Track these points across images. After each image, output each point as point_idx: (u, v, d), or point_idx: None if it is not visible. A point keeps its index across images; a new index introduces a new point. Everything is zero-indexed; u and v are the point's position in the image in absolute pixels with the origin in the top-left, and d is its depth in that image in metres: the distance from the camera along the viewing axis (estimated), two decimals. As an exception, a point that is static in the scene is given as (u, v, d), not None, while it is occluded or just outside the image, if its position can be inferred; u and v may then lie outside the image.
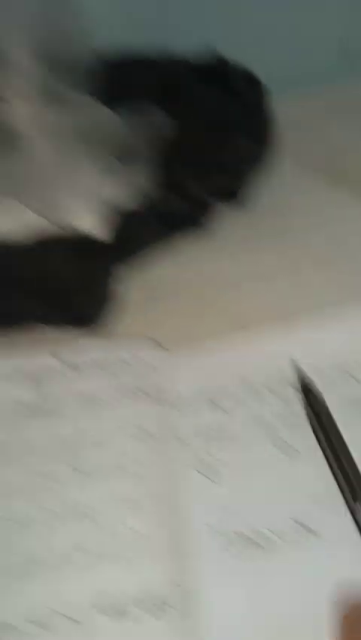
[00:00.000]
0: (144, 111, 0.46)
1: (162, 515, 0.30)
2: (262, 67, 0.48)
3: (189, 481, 0.32)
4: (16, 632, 0.26)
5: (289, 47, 0.57)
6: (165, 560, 0.29)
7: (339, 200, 0.48)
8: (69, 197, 0.41)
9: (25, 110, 0.42)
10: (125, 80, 0.47)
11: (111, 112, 0.45)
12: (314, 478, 0.31)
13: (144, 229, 0.42)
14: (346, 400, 0.34)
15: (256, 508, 0.30)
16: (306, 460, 0.32)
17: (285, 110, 0.47)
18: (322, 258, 0.44)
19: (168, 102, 0.46)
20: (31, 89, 0.42)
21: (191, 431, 0.34)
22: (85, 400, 0.34)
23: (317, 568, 0.28)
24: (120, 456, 0.32)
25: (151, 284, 0.42)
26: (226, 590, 0.28)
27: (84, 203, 0.41)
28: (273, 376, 0.36)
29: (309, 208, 0.47)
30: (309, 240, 0.45)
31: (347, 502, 0.30)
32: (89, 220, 0.41)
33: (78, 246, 0.40)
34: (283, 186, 0.48)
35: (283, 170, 0.47)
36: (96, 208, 0.41)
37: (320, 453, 0.32)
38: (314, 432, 0.33)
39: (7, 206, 0.40)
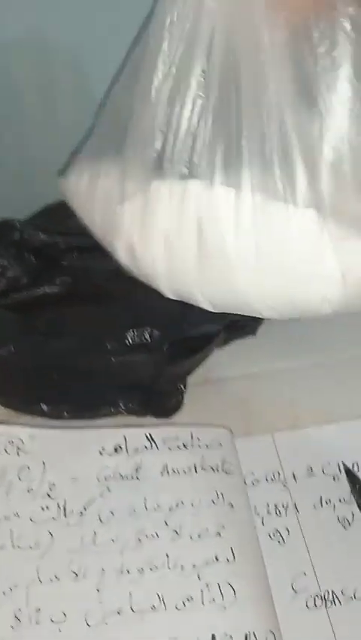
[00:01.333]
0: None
1: (253, 574, 0.36)
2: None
3: (264, 545, 0.38)
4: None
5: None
6: (260, 612, 0.34)
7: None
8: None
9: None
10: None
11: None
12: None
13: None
14: None
15: (327, 572, 0.37)
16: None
17: None
18: None
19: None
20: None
21: (258, 502, 0.40)
22: (173, 473, 0.40)
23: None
24: (208, 520, 0.38)
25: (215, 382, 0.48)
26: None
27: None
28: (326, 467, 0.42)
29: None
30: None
31: None
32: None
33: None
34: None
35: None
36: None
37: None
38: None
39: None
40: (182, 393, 0.45)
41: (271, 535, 0.38)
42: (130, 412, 0.44)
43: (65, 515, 0.38)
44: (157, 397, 0.44)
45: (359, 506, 0.39)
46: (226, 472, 0.40)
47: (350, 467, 0.41)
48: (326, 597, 0.36)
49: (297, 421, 0.44)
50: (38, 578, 0.35)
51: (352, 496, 0.40)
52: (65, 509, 0.38)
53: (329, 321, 0.42)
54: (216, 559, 0.36)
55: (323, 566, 0.37)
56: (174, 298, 0.42)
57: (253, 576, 0.36)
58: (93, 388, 0.44)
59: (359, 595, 0.36)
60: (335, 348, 0.50)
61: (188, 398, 0.46)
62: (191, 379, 0.47)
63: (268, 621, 0.34)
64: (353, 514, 0.39)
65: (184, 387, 0.46)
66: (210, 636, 0.33)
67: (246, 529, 0.38)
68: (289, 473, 0.41)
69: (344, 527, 0.39)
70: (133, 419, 0.44)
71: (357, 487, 0.40)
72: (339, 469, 0.42)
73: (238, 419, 0.45)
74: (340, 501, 0.40)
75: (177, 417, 0.45)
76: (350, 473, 0.41)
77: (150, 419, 0.44)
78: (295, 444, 0.43)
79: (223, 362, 0.49)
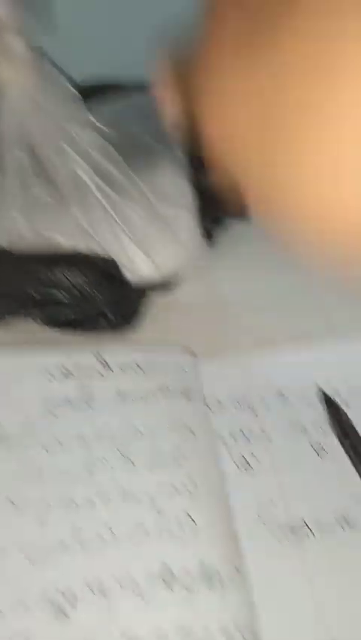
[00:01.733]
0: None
1: (212, 503, 0.32)
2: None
3: (229, 473, 0.34)
4: (77, 597, 0.29)
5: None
6: (219, 541, 0.31)
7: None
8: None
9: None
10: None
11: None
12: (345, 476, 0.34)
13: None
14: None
15: (295, 501, 0.33)
16: (334, 459, 0.35)
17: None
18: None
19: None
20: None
21: (225, 430, 0.36)
22: (123, 396, 0.36)
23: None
24: (163, 447, 0.34)
25: (174, 298, 0.44)
26: (271, 570, 0.31)
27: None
28: (296, 386, 0.38)
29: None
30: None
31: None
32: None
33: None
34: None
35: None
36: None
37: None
38: (339, 439, 0.36)
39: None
40: (141, 299, 0.41)
41: (238, 464, 0.35)
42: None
43: (3, 440, 0.34)
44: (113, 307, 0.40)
45: (338, 438, 0.36)
46: (187, 398, 0.36)
47: (326, 393, 0.37)
48: (297, 528, 0.32)
49: (272, 344, 0.40)
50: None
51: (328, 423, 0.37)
52: (3, 435, 0.34)
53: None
54: (175, 489, 0.32)
55: (294, 495, 0.34)
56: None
57: (213, 506, 0.32)
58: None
59: (331, 525, 0.32)
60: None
61: (150, 319, 0.42)
62: (155, 298, 0.43)
63: (229, 553, 0.31)
64: (329, 442, 0.36)
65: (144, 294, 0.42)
66: (166, 570, 0.30)
67: (207, 457, 0.34)
68: (259, 398, 0.37)
69: (319, 455, 0.35)
70: (84, 339, 0.40)
71: (337, 418, 0.36)
72: (316, 395, 0.38)
73: (205, 341, 0.41)
74: (315, 428, 0.36)
75: (136, 338, 0.41)
76: (330, 403, 0.37)
77: (102, 339, 0.40)
78: (268, 367, 0.39)
79: (192, 281, 0.45)
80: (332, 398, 0.37)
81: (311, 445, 0.36)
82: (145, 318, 0.42)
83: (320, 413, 0.37)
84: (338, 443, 0.35)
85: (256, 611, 0.29)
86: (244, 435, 0.36)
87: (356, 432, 0.35)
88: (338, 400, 0.37)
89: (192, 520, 0.31)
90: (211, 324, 0.43)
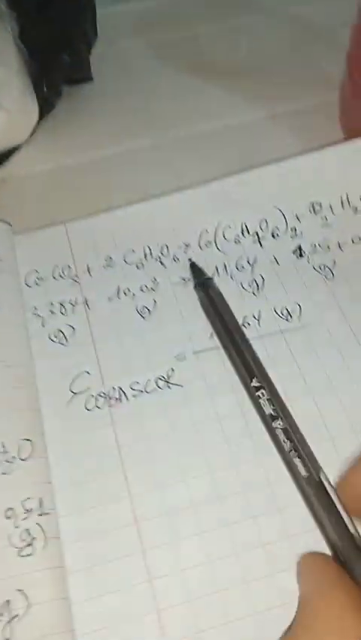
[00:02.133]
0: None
1: (15, 380, 0.29)
2: None
3: (42, 348, 0.31)
4: None
5: None
6: (17, 419, 0.28)
7: (195, 84, 0.44)
8: None
9: None
10: None
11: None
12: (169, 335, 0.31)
13: None
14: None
15: (111, 370, 0.30)
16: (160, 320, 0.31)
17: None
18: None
19: None
20: None
21: (42, 303, 0.32)
22: None
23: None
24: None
25: (6, 172, 0.40)
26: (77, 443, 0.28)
27: None
28: (127, 250, 0.34)
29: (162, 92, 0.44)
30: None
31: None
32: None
33: None
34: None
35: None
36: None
37: (172, 313, 0.31)
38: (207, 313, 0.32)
39: None
40: None
41: (53, 337, 0.31)
42: None
43: None
44: None
45: (200, 301, 0.32)
46: (-2, 271, 0.32)
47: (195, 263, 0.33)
48: (111, 395, 0.29)
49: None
50: None
51: (157, 283, 0.33)
52: None
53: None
54: (-32, 368, 0.29)
55: (111, 361, 0.30)
56: None
57: (15, 382, 0.29)
58: None
59: (151, 388, 0.29)
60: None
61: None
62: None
63: (25, 428, 0.27)
64: (154, 302, 0.32)
65: None
66: None
67: (14, 333, 0.31)
68: (83, 266, 0.33)
69: (143, 317, 0.32)
70: None
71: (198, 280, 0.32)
72: (145, 255, 0.34)
73: (33, 215, 0.36)
74: (142, 290, 0.32)
75: None
76: (194, 267, 0.33)
77: None
78: (93, 233, 0.35)
79: (26, 153, 0.40)
80: (196, 264, 0.33)
81: (136, 308, 0.32)
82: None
83: (146, 274, 0.33)
84: (165, 302, 0.32)
85: (49, 486, 0.26)
86: (62, 307, 0.32)
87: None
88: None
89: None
90: (44, 200, 0.38)
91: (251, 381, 0.28)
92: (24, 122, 0.41)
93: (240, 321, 0.31)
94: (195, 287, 0.32)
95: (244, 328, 0.31)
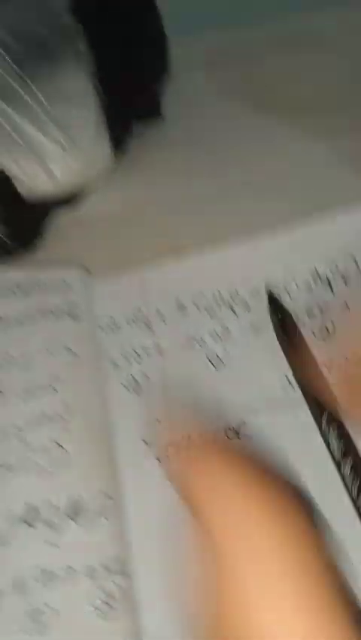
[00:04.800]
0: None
1: (91, 431, 0.30)
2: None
3: (116, 396, 0.31)
4: None
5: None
6: (93, 471, 0.29)
7: (262, 123, 0.44)
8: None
9: None
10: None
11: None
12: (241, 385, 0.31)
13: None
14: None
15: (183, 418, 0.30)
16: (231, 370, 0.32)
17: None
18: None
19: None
20: None
21: (117, 350, 0.33)
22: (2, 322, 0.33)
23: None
24: (38, 373, 0.31)
25: (79, 213, 0.41)
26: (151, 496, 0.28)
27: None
28: (198, 296, 0.34)
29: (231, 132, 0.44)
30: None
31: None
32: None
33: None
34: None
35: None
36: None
37: (244, 362, 0.32)
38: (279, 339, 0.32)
39: None
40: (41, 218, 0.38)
41: (127, 385, 0.32)
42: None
43: None
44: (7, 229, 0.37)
45: (277, 337, 0.32)
46: (73, 318, 0.33)
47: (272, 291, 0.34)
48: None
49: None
50: None
51: (229, 331, 0.33)
52: None
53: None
54: (47, 418, 0.30)
55: (183, 412, 0.31)
56: None
57: (91, 433, 0.30)
58: None
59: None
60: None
61: (52, 239, 0.39)
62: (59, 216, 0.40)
63: (103, 483, 0.28)
64: (225, 351, 0.32)
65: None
66: (30, 508, 0.27)
67: (89, 381, 0.32)
68: (155, 311, 0.34)
69: (215, 366, 0.32)
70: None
71: (279, 315, 0.33)
72: (216, 302, 0.34)
73: (109, 258, 0.37)
74: (212, 337, 0.33)
75: (36, 260, 0.37)
76: (272, 298, 0.33)
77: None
78: (167, 280, 0.35)
79: (100, 194, 0.41)
80: (274, 293, 0.33)
81: (207, 357, 0.32)
82: (47, 239, 0.39)
83: (219, 321, 0.33)
84: (237, 352, 0.32)
85: (127, 544, 0.27)
86: (136, 354, 0.33)
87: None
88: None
89: (64, 449, 0.29)
90: (117, 240, 0.39)
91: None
92: (99, 161, 0.42)
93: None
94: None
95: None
